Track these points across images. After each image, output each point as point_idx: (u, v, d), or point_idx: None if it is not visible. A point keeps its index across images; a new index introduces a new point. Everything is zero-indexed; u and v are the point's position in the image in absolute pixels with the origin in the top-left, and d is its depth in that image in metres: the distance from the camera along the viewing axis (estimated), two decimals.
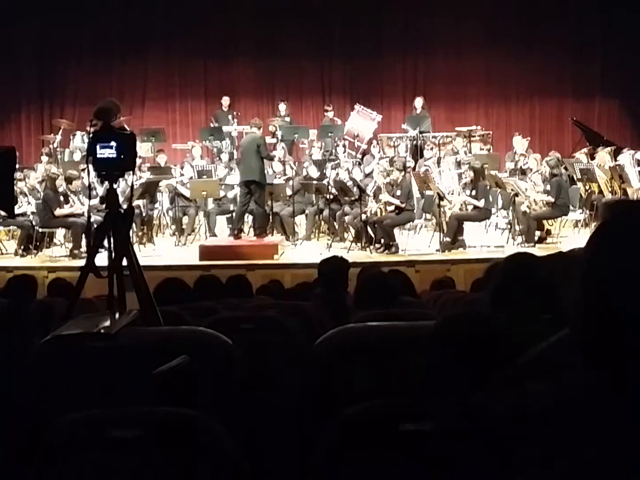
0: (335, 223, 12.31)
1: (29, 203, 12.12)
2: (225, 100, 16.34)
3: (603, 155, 13.62)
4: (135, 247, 11.03)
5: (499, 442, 1.59)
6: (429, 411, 2.17)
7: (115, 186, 4.28)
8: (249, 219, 12.42)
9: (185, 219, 13.01)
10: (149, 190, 12.47)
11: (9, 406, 2.95)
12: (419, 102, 15.73)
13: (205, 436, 2.19)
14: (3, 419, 2.94)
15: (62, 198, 11.65)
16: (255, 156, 11.51)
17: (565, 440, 1.28)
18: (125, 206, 4.50)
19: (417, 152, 14.60)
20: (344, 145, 14.81)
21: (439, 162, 13.70)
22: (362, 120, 15.47)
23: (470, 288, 7.02)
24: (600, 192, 12.65)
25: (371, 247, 11.40)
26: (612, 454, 1.19)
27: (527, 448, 1.34)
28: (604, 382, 1.28)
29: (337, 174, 12.80)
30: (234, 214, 12.51)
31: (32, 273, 10.66)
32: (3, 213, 11.10)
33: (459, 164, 13.54)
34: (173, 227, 13.05)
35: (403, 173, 11.61)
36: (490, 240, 11.79)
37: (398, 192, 11.36)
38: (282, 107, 16.11)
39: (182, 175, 13.45)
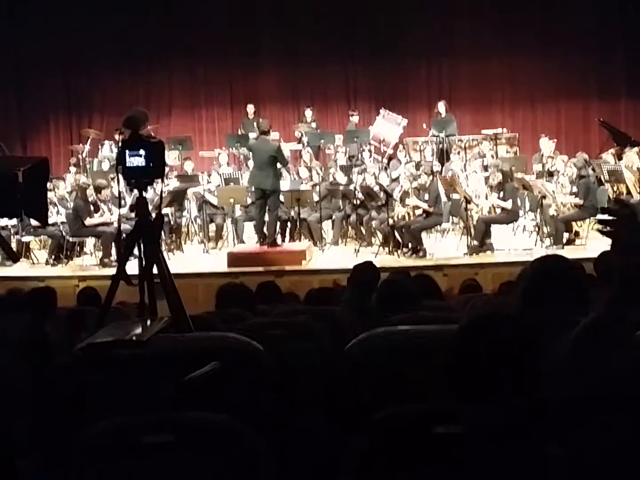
0: (362, 228, 12.31)
1: (58, 213, 12.25)
2: (250, 108, 16.40)
3: (631, 155, 13.49)
4: (164, 254, 11.11)
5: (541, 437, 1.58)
6: (460, 414, 2.18)
7: (144, 194, 4.32)
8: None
9: (212, 226, 13.08)
10: (177, 199, 12.56)
11: (40, 416, 2.99)
12: (441, 106, 15.68)
13: (238, 441, 2.21)
14: (36, 425, 2.98)
15: (92, 207, 11.77)
16: (270, 165, 11.22)
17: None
18: (154, 214, 4.54)
19: (443, 155, 14.56)
20: (370, 150, 14.81)
21: (465, 165, 13.68)
22: (387, 125, 15.46)
23: (498, 291, 6.98)
24: (629, 192, 12.55)
25: (399, 251, 11.40)
26: None
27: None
28: None
29: (364, 179, 12.81)
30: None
31: (62, 282, 10.84)
32: (35, 223, 11.23)
33: (485, 168, 13.50)
34: (201, 234, 13.12)
35: (431, 177, 11.59)
36: (518, 243, 11.74)
37: (426, 196, 11.35)
38: (309, 113, 16.15)
39: (209, 182, 13.51)
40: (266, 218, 11.63)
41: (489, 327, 2.29)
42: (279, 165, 11.44)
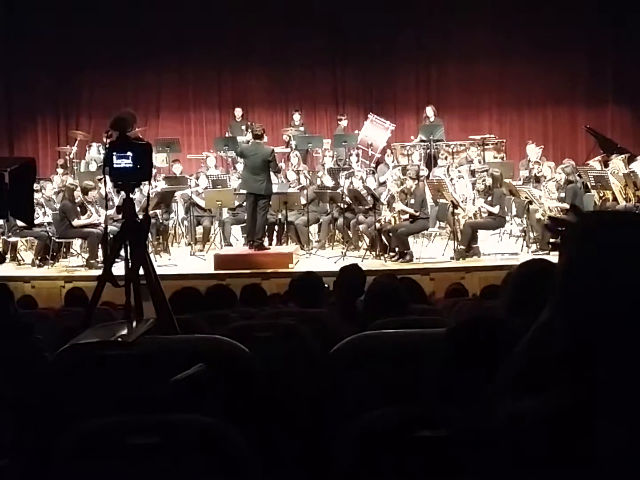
0: (349, 232, 12.33)
1: (45, 214, 12.21)
2: (238, 112, 16.42)
3: (617, 162, 13.56)
4: (151, 256, 11.07)
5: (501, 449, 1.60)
6: (444, 418, 2.18)
7: (131, 196, 4.31)
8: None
9: (200, 229, 13.07)
10: (165, 200, 12.54)
11: (24, 416, 2.98)
12: (429, 110, 15.72)
13: (223, 443, 2.21)
14: (20, 424, 2.97)
15: (79, 209, 11.75)
16: (263, 170, 11.30)
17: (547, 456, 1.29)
18: (141, 216, 4.53)
19: (430, 160, 14.60)
20: (357, 155, 14.83)
21: (448, 170, 13.70)
22: (375, 130, 15.49)
23: (481, 295, 7.02)
24: (615, 199, 12.60)
25: (385, 255, 11.41)
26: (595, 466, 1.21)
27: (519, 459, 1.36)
28: (590, 396, 1.28)
29: (351, 183, 12.82)
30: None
31: (49, 283, 10.82)
32: (21, 224, 11.20)
33: (472, 173, 13.54)
34: (188, 236, 13.11)
35: (416, 182, 11.62)
36: (504, 248, 11.79)
37: (412, 201, 11.38)
38: (297, 116, 16.17)
39: (197, 185, 13.50)
40: None
41: (480, 330, 2.30)
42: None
